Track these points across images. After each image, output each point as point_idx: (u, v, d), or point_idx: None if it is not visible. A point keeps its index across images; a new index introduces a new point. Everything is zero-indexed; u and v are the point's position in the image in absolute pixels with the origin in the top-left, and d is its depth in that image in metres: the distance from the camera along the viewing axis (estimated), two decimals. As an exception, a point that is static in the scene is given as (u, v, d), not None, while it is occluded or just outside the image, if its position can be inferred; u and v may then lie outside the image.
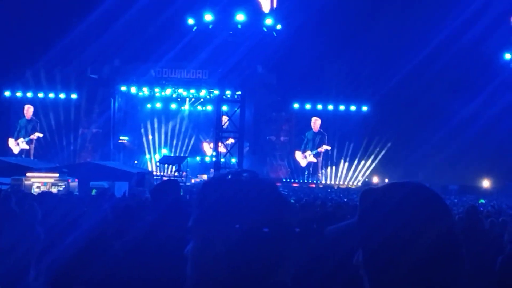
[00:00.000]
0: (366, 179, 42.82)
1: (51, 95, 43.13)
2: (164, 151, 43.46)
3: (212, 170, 35.93)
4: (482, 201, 27.52)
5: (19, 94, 43.44)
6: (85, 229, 4.73)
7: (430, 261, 1.44)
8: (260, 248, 1.43)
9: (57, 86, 42.80)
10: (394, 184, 1.57)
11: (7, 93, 43.44)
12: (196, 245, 1.48)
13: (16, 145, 43.23)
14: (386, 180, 37.54)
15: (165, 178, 27.09)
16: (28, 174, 24.38)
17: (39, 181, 23.80)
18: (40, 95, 43.19)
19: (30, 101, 43.45)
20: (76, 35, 35.48)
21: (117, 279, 4.43)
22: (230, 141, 37.22)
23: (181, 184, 25.65)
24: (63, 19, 36.96)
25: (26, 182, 23.30)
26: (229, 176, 1.53)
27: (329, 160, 44.00)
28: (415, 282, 1.43)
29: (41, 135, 43.02)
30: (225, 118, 35.62)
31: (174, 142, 44.52)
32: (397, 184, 1.56)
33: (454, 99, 37.94)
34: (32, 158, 40.63)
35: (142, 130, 44.23)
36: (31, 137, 43.18)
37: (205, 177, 37.13)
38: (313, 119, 44.08)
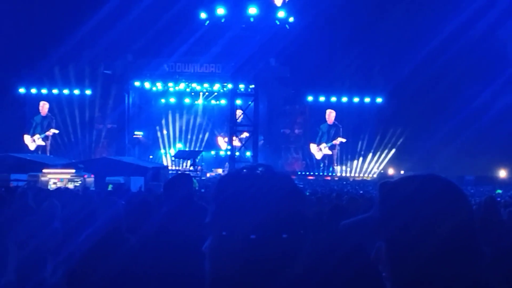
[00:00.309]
0: (382, 171, 42.67)
1: (66, 91, 43.40)
2: (179, 146, 43.59)
3: (227, 164, 35.99)
4: (499, 191, 27.34)
5: (33, 90, 43.75)
6: (100, 224, 4.76)
7: (451, 251, 1.45)
8: (277, 243, 1.43)
9: (71, 82, 43.06)
10: (413, 176, 1.57)
11: (22, 90, 43.73)
12: (214, 241, 1.48)
13: (32, 141, 43.55)
14: (402, 172, 37.44)
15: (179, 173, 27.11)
16: (44, 170, 24.52)
17: (56, 177, 23.92)
18: (55, 91, 43.47)
19: (45, 98, 43.76)
20: (88, 31, 35.60)
21: (132, 272, 4.45)
22: (245, 134, 37.26)
23: (196, 178, 25.71)
24: (76, 15, 37.07)
25: (43, 178, 23.44)
26: (244, 171, 1.53)
27: (344, 152, 43.85)
28: (437, 272, 1.44)
29: (56, 131, 43.31)
30: (239, 112, 35.68)
31: (189, 137, 44.64)
32: (416, 176, 1.56)
33: (469, 89, 37.64)
34: (48, 154, 40.89)
35: (157, 127, 44.39)
36: (47, 133, 43.50)
37: (220, 171, 37.22)
38: (328, 111, 43.93)
